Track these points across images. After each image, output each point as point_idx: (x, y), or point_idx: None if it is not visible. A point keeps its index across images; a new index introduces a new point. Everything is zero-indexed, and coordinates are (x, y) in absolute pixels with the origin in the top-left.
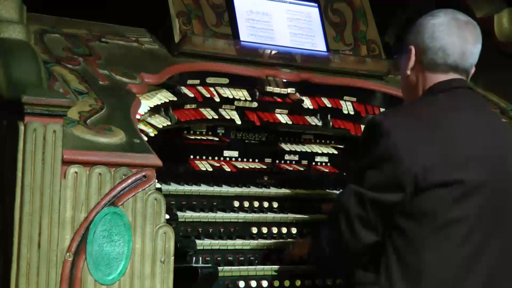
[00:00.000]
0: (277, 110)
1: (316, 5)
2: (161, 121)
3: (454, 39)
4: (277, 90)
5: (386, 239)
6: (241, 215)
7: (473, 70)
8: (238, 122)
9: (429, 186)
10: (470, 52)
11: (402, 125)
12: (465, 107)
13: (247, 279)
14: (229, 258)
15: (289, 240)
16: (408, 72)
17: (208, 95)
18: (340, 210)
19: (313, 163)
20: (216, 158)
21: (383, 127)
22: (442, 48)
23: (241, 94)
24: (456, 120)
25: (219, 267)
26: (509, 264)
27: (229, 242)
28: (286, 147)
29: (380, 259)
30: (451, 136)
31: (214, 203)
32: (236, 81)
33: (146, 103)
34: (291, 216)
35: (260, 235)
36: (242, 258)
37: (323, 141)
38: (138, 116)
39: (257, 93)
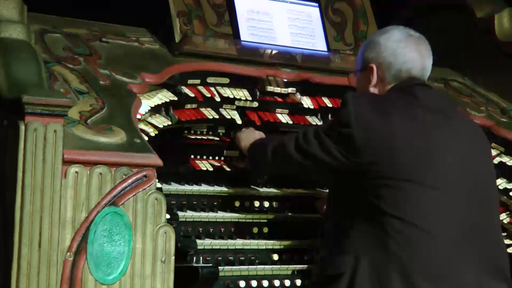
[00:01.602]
0: (278, 110)
1: (317, 5)
2: (161, 121)
3: (414, 54)
4: (277, 90)
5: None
6: (242, 215)
7: None
8: (239, 122)
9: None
10: (427, 66)
11: (366, 102)
12: (426, 102)
13: (247, 279)
14: (230, 258)
15: (289, 240)
16: (371, 89)
17: (209, 95)
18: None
19: None
20: (216, 158)
21: (347, 97)
22: (405, 64)
23: (242, 93)
24: (418, 113)
25: (219, 267)
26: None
27: (230, 242)
28: None
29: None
30: (410, 127)
31: (215, 203)
32: (236, 81)
33: (146, 103)
34: (291, 215)
35: (260, 235)
36: (243, 258)
37: None
38: (138, 116)
39: (258, 93)
